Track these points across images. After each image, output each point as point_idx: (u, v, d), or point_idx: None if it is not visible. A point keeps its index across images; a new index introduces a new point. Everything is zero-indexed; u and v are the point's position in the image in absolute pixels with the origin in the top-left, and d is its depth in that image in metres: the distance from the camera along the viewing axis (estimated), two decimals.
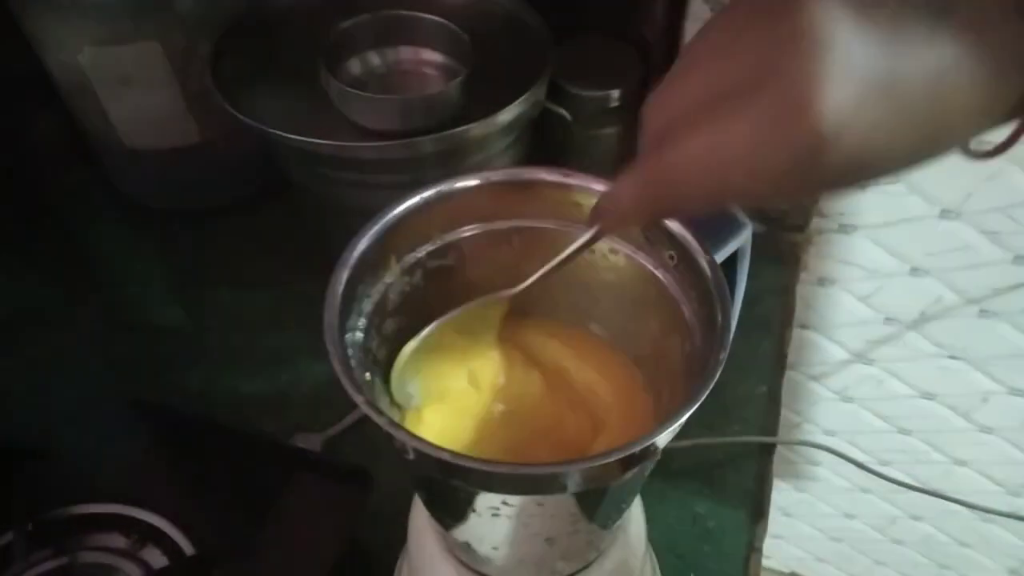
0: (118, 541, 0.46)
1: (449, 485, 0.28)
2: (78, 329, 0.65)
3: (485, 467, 0.25)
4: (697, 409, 0.25)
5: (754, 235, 0.69)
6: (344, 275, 0.30)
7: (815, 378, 0.87)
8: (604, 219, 0.27)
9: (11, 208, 0.72)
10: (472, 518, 0.31)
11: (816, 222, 0.71)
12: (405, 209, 0.32)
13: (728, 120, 0.21)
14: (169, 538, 0.46)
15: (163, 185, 0.72)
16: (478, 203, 0.34)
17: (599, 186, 0.32)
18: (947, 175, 0.65)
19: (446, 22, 0.55)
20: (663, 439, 0.25)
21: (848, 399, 0.88)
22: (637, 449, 0.24)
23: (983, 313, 0.74)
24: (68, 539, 0.45)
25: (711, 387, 0.25)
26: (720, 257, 0.30)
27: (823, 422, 0.92)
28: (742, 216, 0.31)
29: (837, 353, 0.83)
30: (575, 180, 0.33)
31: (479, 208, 0.34)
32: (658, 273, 0.32)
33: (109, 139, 0.67)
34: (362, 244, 0.31)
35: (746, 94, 0.20)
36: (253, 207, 0.72)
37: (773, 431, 0.59)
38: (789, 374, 0.87)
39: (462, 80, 0.51)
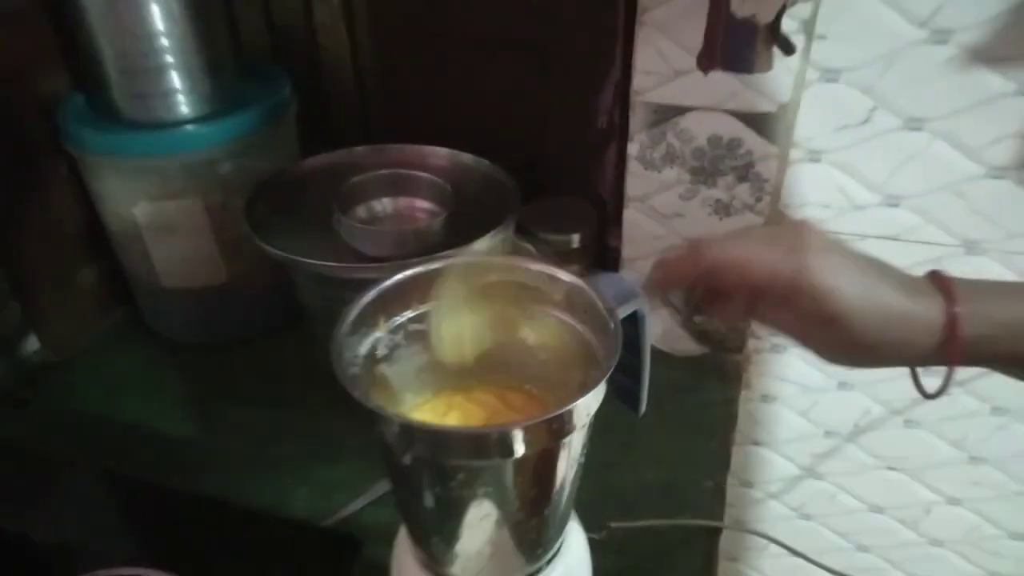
0: None
1: (417, 465, 0.38)
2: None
3: (443, 428, 0.35)
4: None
5: (701, 356, 0.80)
6: (348, 319, 0.41)
7: (774, 496, 0.95)
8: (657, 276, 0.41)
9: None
10: (438, 506, 0.40)
11: (752, 343, 0.82)
12: (393, 283, 0.44)
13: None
14: None
15: (189, 323, 0.84)
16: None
17: (545, 268, 0.44)
18: None
19: (434, 178, 0.70)
20: (581, 409, 0.37)
21: (806, 516, 0.95)
22: (560, 411, 0.36)
23: (908, 423, 0.83)
24: None
25: (612, 367, 0.37)
26: (621, 315, 0.41)
27: (789, 542, 0.97)
28: (636, 287, 0.43)
29: (789, 469, 0.91)
30: (531, 264, 0.45)
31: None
32: (578, 327, 0.44)
33: (149, 280, 0.80)
34: (361, 303, 0.43)
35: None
36: (269, 337, 0.83)
37: (720, 517, 0.67)
38: (748, 491, 0.95)
39: (444, 218, 0.64)
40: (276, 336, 0.84)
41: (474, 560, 0.45)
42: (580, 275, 0.44)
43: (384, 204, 0.71)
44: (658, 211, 0.76)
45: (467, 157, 0.74)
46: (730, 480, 0.79)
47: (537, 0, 0.77)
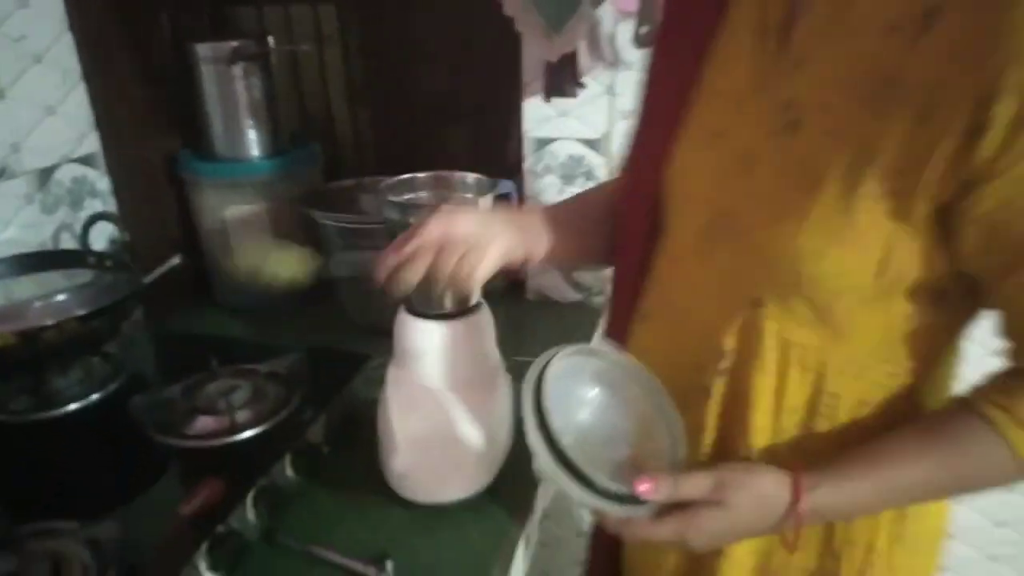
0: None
1: None
2: None
3: None
4: None
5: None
6: None
7: None
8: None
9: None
10: None
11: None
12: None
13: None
14: None
15: (248, 295, 1.28)
16: None
17: None
18: None
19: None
20: None
21: None
22: None
23: None
24: None
25: None
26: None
27: None
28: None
29: None
30: None
31: None
32: None
33: (223, 262, 1.25)
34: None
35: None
36: (304, 306, 1.28)
37: None
38: None
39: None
40: (310, 306, 1.27)
41: None
42: None
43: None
44: (544, 202, 1.25)
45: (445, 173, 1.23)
46: None
47: (478, 74, 1.30)
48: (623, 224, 0.78)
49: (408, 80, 1.34)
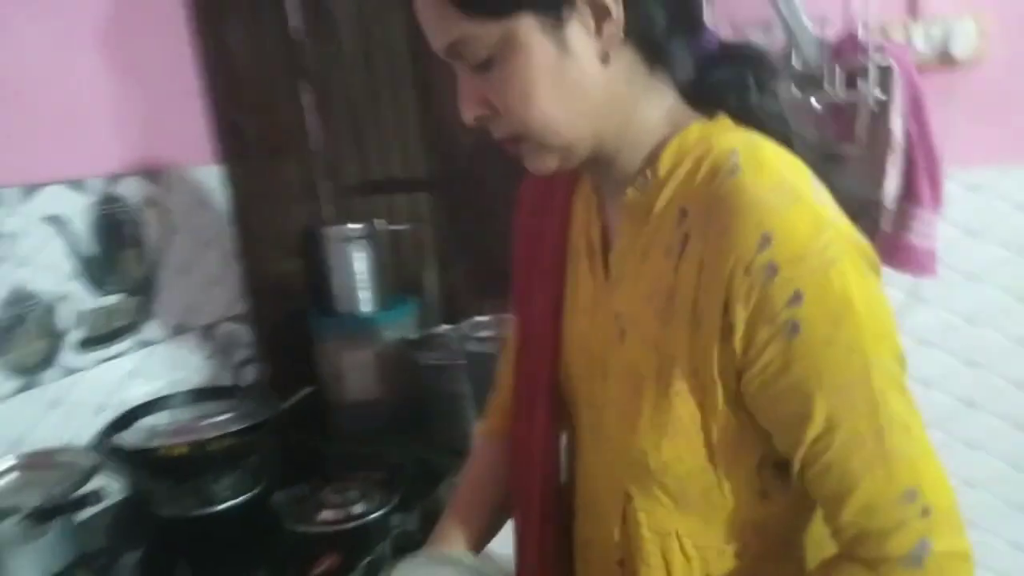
0: None
1: None
2: None
3: None
4: None
5: None
6: None
7: None
8: None
9: None
10: None
11: None
12: None
13: None
14: None
15: (357, 421, 1.56)
16: None
17: None
18: None
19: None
20: None
21: None
22: None
23: None
24: None
25: None
26: None
27: None
28: None
29: None
30: None
31: None
32: None
33: (337, 389, 1.54)
34: None
35: None
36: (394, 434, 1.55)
37: None
38: None
39: None
40: (407, 429, 1.54)
41: None
42: None
43: None
44: None
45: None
46: None
47: None
48: (523, 456, 0.80)
49: (481, 249, 1.66)
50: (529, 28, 0.58)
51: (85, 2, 1.29)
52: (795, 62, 1.16)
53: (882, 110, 1.14)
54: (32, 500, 0.98)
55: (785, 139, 0.63)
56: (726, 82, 0.65)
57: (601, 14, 0.59)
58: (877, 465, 0.56)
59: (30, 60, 1.19)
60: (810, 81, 1.16)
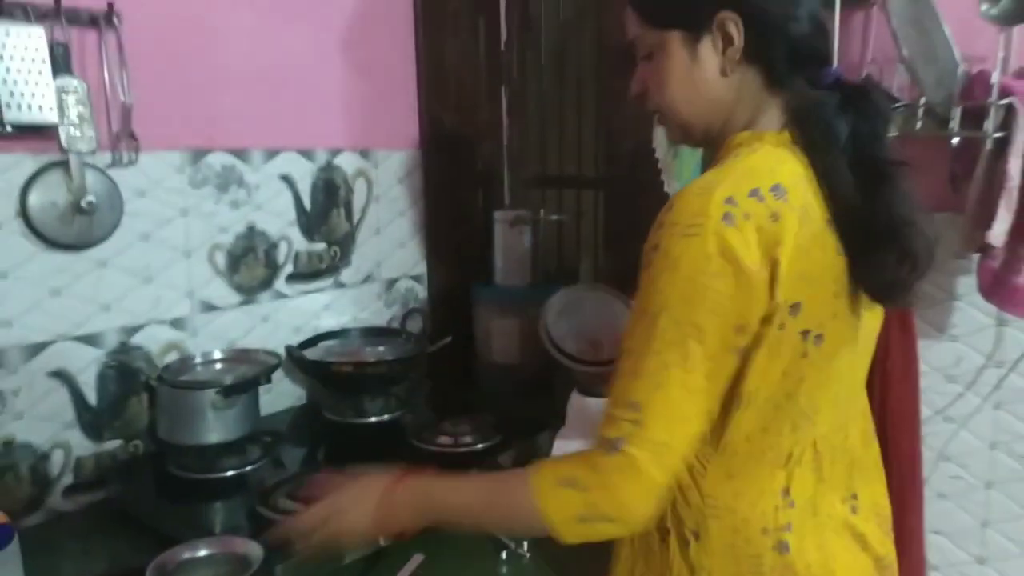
0: None
1: None
2: None
3: None
4: None
5: None
6: None
7: None
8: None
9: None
10: None
11: None
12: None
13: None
14: None
15: (494, 379, 1.80)
16: None
17: None
18: None
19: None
20: None
21: None
22: None
23: None
24: None
25: None
26: None
27: None
28: None
29: None
30: None
31: None
32: None
33: (486, 348, 1.79)
34: None
35: None
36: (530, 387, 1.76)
37: None
38: None
39: None
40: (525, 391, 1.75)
41: None
42: None
43: None
44: None
45: None
46: None
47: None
48: None
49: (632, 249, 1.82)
50: (675, 39, 0.82)
51: (332, 12, 1.64)
52: (922, 100, 1.18)
53: (1000, 149, 1.12)
54: (227, 380, 1.33)
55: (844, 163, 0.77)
56: (809, 108, 0.79)
57: (727, 40, 0.79)
58: (627, 374, 0.75)
59: (284, 55, 1.56)
60: (933, 118, 1.18)
